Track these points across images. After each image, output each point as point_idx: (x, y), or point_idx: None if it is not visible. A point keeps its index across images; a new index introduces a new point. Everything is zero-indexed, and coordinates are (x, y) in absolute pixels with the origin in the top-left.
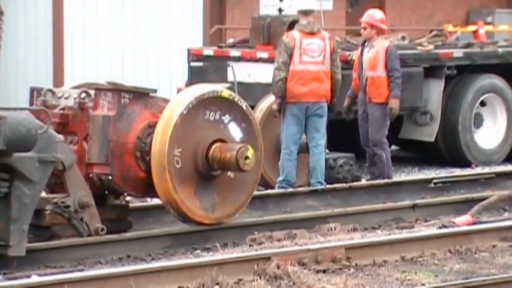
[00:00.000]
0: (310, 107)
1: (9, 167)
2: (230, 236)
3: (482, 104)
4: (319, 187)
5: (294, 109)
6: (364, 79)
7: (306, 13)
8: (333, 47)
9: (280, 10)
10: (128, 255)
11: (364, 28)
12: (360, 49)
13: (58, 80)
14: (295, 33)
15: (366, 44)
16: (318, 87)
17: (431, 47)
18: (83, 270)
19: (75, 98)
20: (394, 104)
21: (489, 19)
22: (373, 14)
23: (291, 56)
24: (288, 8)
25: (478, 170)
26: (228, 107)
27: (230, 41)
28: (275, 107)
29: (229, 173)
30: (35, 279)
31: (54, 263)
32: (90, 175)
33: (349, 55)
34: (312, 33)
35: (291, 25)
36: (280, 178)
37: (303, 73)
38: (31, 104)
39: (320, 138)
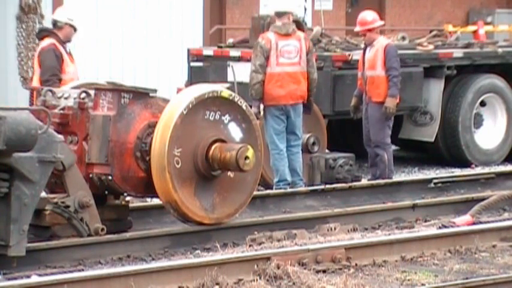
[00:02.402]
0: (288, 109)
1: (9, 167)
2: (230, 236)
3: (482, 104)
4: (319, 187)
5: (274, 110)
6: (365, 78)
7: (280, 14)
8: (308, 47)
9: None
10: (128, 255)
11: (364, 35)
12: (363, 48)
13: None
14: (270, 35)
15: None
16: (295, 89)
17: (431, 47)
18: (83, 270)
19: (75, 98)
20: (390, 103)
21: (489, 19)
22: (364, 18)
23: (267, 58)
24: (264, 8)
25: (478, 170)
26: (228, 107)
27: (230, 41)
28: (254, 110)
29: (229, 173)
30: (35, 279)
31: (54, 263)
32: (90, 175)
33: (349, 55)
34: (287, 35)
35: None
36: (276, 179)
37: (281, 75)
38: (31, 104)
39: (297, 139)
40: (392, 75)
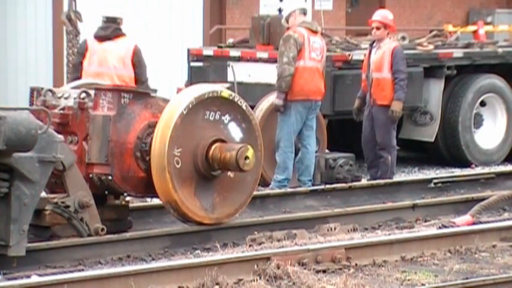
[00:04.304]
0: (313, 104)
1: (9, 167)
2: (230, 236)
3: (482, 104)
4: (319, 187)
5: (300, 107)
6: (370, 80)
7: (306, 12)
8: (326, 47)
9: (280, 10)
10: (128, 255)
11: (378, 28)
12: (368, 49)
13: (58, 80)
14: (302, 30)
15: (374, 44)
16: (321, 85)
17: (431, 47)
18: (83, 270)
19: (75, 98)
20: (397, 106)
21: (489, 19)
22: (387, 14)
23: (299, 52)
24: (264, 8)
25: (478, 170)
26: (228, 107)
27: (230, 41)
28: (279, 102)
29: (229, 173)
30: (35, 279)
31: (54, 263)
32: (90, 175)
33: (349, 55)
34: (316, 32)
35: None
36: (282, 177)
37: (312, 70)
38: (31, 104)
39: (313, 136)
40: (399, 79)
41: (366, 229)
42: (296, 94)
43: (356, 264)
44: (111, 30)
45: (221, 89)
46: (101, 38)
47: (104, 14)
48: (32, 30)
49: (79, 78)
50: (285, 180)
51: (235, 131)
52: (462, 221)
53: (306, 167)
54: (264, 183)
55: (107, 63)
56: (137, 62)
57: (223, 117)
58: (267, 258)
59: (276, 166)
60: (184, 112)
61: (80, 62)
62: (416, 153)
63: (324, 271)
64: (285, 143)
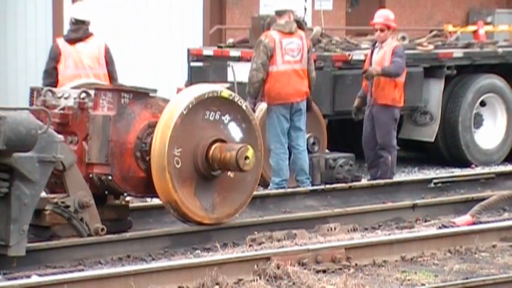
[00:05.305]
0: (295, 106)
1: (9, 167)
2: (230, 236)
3: (482, 104)
4: (319, 187)
5: (281, 108)
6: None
7: (281, 13)
8: (309, 45)
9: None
10: (128, 255)
11: (382, 30)
12: (370, 49)
13: None
14: (274, 33)
15: (377, 44)
16: (301, 86)
17: (431, 47)
18: (83, 270)
19: (75, 98)
20: (376, 69)
21: (489, 19)
22: (388, 14)
23: (271, 56)
24: (264, 8)
25: (478, 170)
26: (228, 107)
27: (230, 41)
28: (250, 106)
29: (229, 173)
30: (35, 279)
31: (54, 263)
32: (90, 175)
33: (349, 55)
34: (290, 33)
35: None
36: (279, 179)
37: (287, 73)
38: (31, 104)
39: (302, 136)
40: (395, 62)
41: (366, 229)
42: (274, 99)
43: (356, 264)
44: (81, 31)
45: (221, 89)
46: (72, 40)
47: (75, 17)
48: (32, 30)
49: (54, 83)
50: (283, 181)
51: (235, 131)
52: (462, 221)
53: (300, 167)
54: (264, 183)
55: (83, 65)
56: (109, 60)
57: (223, 117)
58: (267, 258)
59: (271, 170)
60: (184, 112)
61: (54, 67)
62: (416, 153)
63: (324, 271)
64: (275, 145)
